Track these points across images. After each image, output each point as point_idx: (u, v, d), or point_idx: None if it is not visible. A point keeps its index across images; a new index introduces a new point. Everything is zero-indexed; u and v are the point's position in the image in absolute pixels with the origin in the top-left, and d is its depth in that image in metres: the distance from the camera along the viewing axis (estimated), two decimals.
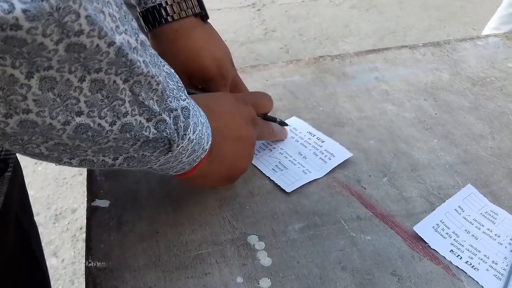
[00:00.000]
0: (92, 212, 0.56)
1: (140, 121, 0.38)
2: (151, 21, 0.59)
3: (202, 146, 0.46)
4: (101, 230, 0.54)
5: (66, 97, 0.32)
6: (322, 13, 2.83)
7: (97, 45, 0.30)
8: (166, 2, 0.58)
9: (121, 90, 0.35)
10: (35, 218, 0.75)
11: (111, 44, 0.31)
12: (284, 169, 0.61)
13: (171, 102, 0.40)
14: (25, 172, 0.68)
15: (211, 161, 0.49)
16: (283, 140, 0.65)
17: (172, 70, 0.43)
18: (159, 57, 0.41)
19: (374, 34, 2.63)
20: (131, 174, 0.60)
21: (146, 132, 0.39)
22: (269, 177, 0.60)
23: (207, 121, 0.48)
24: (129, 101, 0.36)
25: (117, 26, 0.32)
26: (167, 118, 0.40)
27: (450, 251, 0.52)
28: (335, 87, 0.75)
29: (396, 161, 0.62)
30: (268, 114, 0.63)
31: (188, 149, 0.44)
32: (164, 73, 0.40)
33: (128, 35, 0.33)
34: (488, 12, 2.80)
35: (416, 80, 0.76)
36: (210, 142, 0.48)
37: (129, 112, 0.36)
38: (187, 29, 0.60)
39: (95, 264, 0.51)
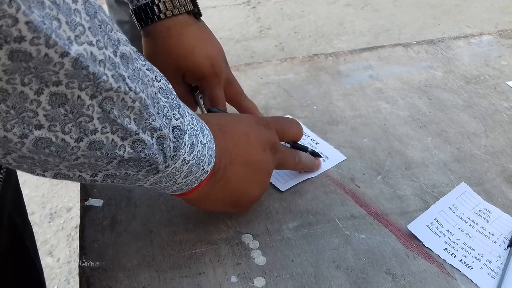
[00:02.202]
0: (85, 211, 0.56)
1: (113, 139, 0.35)
2: (144, 18, 0.59)
3: (202, 168, 0.44)
4: (95, 230, 0.54)
5: (22, 109, 0.30)
6: (317, 11, 2.83)
7: (46, 54, 0.28)
8: (159, 0, 0.58)
9: (87, 106, 0.32)
10: (30, 217, 0.75)
11: (64, 54, 0.29)
12: None
13: (153, 121, 0.37)
14: (19, 171, 0.67)
15: (214, 184, 0.47)
16: (313, 172, 0.60)
17: (170, 86, 0.40)
18: (153, 72, 0.39)
19: (369, 32, 2.63)
20: None
21: (120, 151, 0.36)
22: None
23: (212, 141, 0.45)
24: (98, 118, 0.33)
25: (77, 36, 0.30)
26: (148, 138, 0.37)
27: (444, 250, 0.52)
28: (329, 85, 0.75)
29: (390, 159, 0.62)
30: (298, 142, 0.59)
31: (183, 169, 0.42)
32: (153, 89, 0.37)
33: (99, 47, 0.31)
34: (483, 10, 2.80)
35: (410, 78, 0.77)
36: (212, 164, 0.45)
37: (99, 129, 0.34)
38: (180, 27, 0.59)
39: (88, 263, 0.51)
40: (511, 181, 0.59)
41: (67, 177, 0.37)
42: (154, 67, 0.40)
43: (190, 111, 0.43)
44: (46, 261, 1.51)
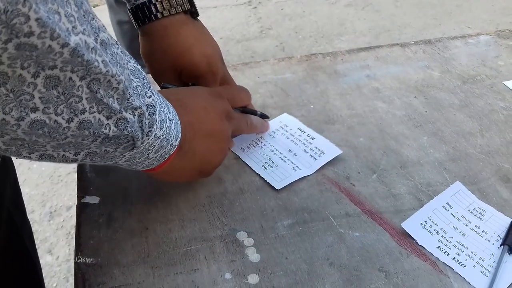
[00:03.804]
0: (82, 208, 0.57)
1: (99, 119, 0.37)
2: (141, 17, 0.60)
3: (170, 143, 0.46)
4: (91, 227, 0.54)
5: (20, 92, 0.32)
6: (318, 11, 2.83)
7: (49, 46, 0.30)
8: None
9: (77, 87, 0.35)
10: (30, 216, 0.75)
11: (64, 45, 0.31)
12: (274, 166, 0.61)
13: (133, 101, 0.39)
14: (20, 169, 0.68)
15: (181, 157, 0.49)
16: (263, 133, 0.66)
17: (139, 67, 0.43)
18: (125, 54, 0.40)
19: (370, 33, 2.63)
20: (121, 171, 0.60)
21: (105, 130, 0.38)
22: (259, 174, 0.60)
23: (177, 117, 0.47)
24: (86, 98, 0.36)
25: (73, 27, 0.32)
26: (130, 116, 0.40)
27: (438, 248, 0.52)
28: (326, 84, 0.76)
29: (386, 158, 0.63)
30: (247, 107, 0.63)
31: (154, 145, 0.44)
32: (127, 71, 0.39)
33: (86, 35, 0.33)
34: (483, 11, 2.80)
35: (407, 78, 0.77)
36: (179, 138, 0.48)
37: (87, 109, 0.36)
38: (177, 26, 0.60)
39: (84, 260, 0.51)
40: (505, 180, 0.59)
41: (51, 158, 0.39)
42: (125, 51, 0.41)
43: (155, 90, 0.45)
44: (45, 259, 1.52)
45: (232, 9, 2.85)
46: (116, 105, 0.38)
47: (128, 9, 0.61)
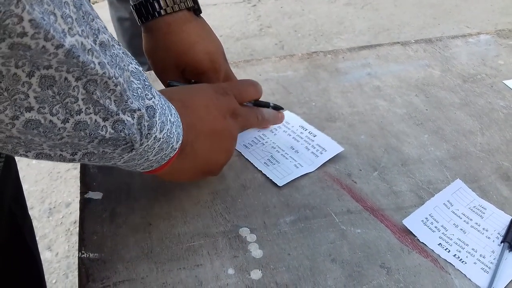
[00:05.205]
0: (85, 204, 0.57)
1: (96, 120, 0.37)
2: (144, 14, 0.60)
3: (171, 145, 0.46)
4: (94, 222, 0.55)
5: (14, 91, 0.32)
6: (317, 10, 2.83)
7: (43, 46, 0.30)
8: None
9: (73, 88, 0.34)
10: (29, 212, 0.76)
11: (59, 46, 0.31)
12: (276, 163, 0.61)
13: (131, 103, 0.39)
14: (19, 166, 0.68)
15: (183, 159, 0.49)
16: (279, 124, 0.65)
17: (140, 68, 0.42)
18: (127, 56, 0.40)
19: (369, 31, 2.63)
20: None
21: (102, 131, 0.38)
22: (261, 171, 0.61)
23: (179, 119, 0.47)
24: (82, 99, 0.35)
25: (70, 28, 0.32)
26: (128, 118, 0.39)
27: (439, 245, 0.53)
28: (327, 82, 0.76)
29: (387, 156, 0.63)
30: (259, 100, 0.61)
31: (154, 147, 0.44)
32: (127, 73, 0.39)
33: (84, 36, 0.33)
34: (482, 11, 2.81)
35: (408, 76, 0.77)
36: (180, 141, 0.47)
37: (83, 110, 0.36)
38: (180, 23, 0.60)
39: (88, 255, 0.51)
40: (505, 178, 0.60)
41: (48, 157, 0.39)
42: (127, 52, 0.41)
43: (157, 91, 0.45)
44: (45, 256, 1.52)
45: (231, 7, 2.86)
46: (113, 107, 0.38)
47: (132, 6, 0.61)
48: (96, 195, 0.58)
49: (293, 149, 0.64)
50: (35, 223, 1.63)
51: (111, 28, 1.82)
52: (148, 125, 0.41)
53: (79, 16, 0.33)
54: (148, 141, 0.42)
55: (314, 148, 0.63)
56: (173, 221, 0.55)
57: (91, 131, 0.37)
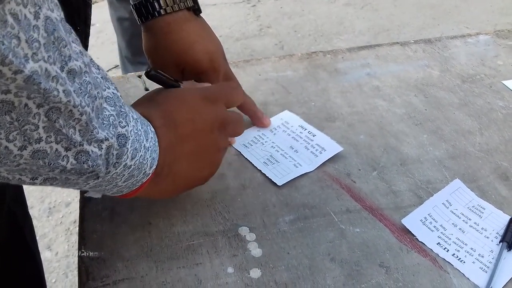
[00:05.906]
0: (85, 203, 0.57)
1: (57, 149, 0.35)
2: (144, 14, 0.60)
3: (143, 171, 0.44)
4: (94, 221, 0.55)
5: None
6: (317, 10, 2.84)
7: (0, 71, 0.28)
8: None
9: (34, 114, 0.33)
10: (29, 212, 0.76)
11: (17, 72, 0.29)
12: (276, 163, 0.62)
13: (97, 133, 0.37)
14: None
15: (159, 181, 0.47)
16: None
17: (118, 94, 0.41)
18: (105, 80, 0.39)
19: (369, 32, 2.64)
20: None
21: (63, 161, 0.36)
22: (260, 170, 0.61)
23: (156, 144, 0.45)
24: (43, 127, 0.34)
25: (34, 53, 0.30)
26: (94, 149, 0.38)
27: (437, 244, 0.53)
28: (327, 82, 0.76)
29: (386, 155, 0.63)
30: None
31: (124, 174, 0.42)
32: (100, 100, 0.38)
33: (50, 62, 0.32)
34: (482, 11, 2.81)
35: (407, 77, 0.77)
36: (154, 166, 0.45)
37: (43, 138, 0.34)
38: (180, 23, 0.60)
39: (87, 253, 0.52)
40: (504, 178, 0.60)
41: (5, 179, 0.37)
42: (108, 75, 0.40)
43: (135, 115, 0.43)
44: (44, 255, 1.52)
45: (231, 7, 2.86)
46: (77, 137, 0.36)
47: (132, 6, 0.61)
48: (95, 194, 0.58)
49: (293, 148, 0.64)
50: (34, 223, 1.62)
51: (111, 28, 1.82)
52: (117, 154, 0.40)
53: (49, 41, 0.31)
54: (116, 169, 0.41)
55: (314, 147, 0.64)
56: (172, 220, 0.55)
57: (51, 160, 0.36)
